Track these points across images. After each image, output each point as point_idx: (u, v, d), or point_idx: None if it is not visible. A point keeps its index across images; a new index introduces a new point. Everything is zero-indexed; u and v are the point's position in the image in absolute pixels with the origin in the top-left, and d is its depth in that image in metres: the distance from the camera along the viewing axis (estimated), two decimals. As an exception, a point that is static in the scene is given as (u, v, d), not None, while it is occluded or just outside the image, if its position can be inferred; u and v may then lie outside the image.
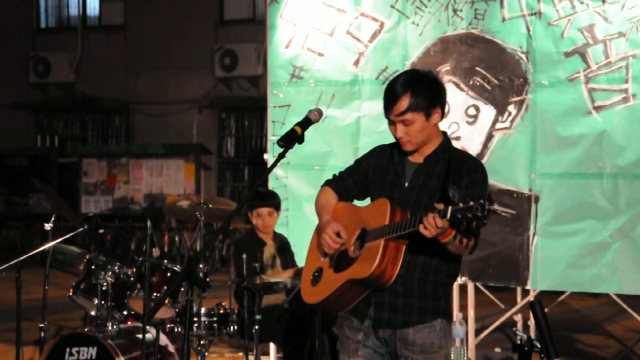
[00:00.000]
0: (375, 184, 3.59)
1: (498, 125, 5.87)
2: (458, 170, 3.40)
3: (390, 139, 3.61)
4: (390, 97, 3.42)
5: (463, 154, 3.55)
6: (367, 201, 3.64)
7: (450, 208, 3.03)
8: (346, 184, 3.66)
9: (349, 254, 3.46)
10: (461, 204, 3.00)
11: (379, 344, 3.51)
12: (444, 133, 3.55)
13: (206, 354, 5.78)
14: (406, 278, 3.41)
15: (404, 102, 3.38)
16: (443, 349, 3.47)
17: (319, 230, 3.60)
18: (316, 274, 3.60)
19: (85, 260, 5.89)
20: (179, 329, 5.69)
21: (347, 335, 3.57)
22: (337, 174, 3.70)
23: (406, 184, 3.49)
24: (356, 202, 3.68)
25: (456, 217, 3.00)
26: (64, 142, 19.80)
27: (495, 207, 2.93)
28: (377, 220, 3.36)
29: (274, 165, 3.54)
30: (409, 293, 3.43)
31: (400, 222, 3.26)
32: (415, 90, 3.39)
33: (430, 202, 3.37)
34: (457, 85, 5.99)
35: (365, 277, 3.32)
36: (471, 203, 2.97)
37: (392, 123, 3.44)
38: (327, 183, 3.71)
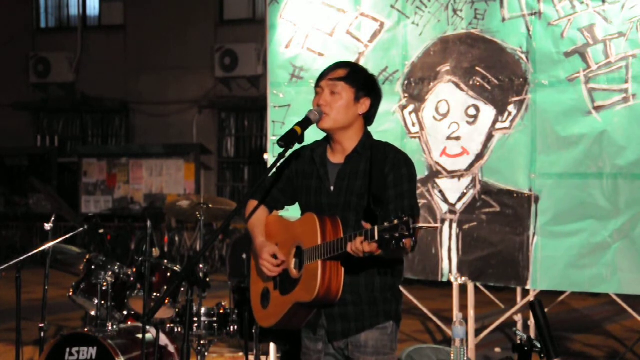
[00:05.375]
0: (301, 189, 3.54)
1: (498, 125, 5.86)
2: (381, 169, 3.36)
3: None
4: (330, 67, 3.51)
5: (384, 147, 3.47)
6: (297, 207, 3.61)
7: (376, 229, 2.96)
8: (272, 195, 3.61)
9: (290, 275, 3.41)
10: (386, 224, 2.92)
11: (337, 353, 3.48)
12: (366, 129, 3.52)
13: (206, 354, 5.79)
14: (353, 285, 3.37)
15: (342, 72, 3.45)
16: (394, 352, 3.44)
17: (255, 253, 3.54)
18: (263, 295, 3.55)
19: (85, 260, 5.90)
20: (179, 329, 5.70)
21: (307, 347, 3.53)
22: (259, 185, 3.63)
23: (332, 188, 3.44)
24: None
25: (384, 238, 2.93)
26: (64, 142, 19.80)
27: (420, 224, 2.89)
28: (310, 239, 3.30)
29: (274, 165, 3.54)
30: (359, 301, 3.39)
31: (332, 243, 3.20)
32: (355, 70, 3.50)
33: (360, 204, 3.35)
34: (457, 85, 5.99)
35: (311, 299, 3.27)
36: (395, 222, 2.90)
37: (318, 93, 3.46)
38: (253, 196, 3.64)
